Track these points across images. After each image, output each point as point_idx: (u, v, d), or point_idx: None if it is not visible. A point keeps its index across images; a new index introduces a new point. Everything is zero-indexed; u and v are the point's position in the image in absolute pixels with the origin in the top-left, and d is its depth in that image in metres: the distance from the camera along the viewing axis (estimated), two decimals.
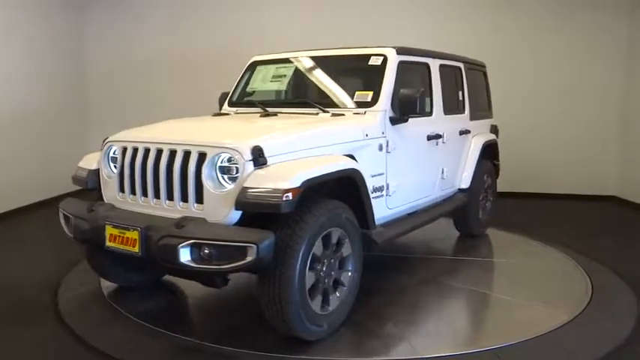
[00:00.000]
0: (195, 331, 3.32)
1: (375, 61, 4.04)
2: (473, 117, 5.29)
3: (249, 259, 2.68)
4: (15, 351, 3.14)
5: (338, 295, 3.26)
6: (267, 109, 4.14)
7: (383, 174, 3.83)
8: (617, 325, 3.45)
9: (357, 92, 3.99)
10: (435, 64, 4.58)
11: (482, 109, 5.67)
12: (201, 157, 2.97)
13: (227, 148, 2.92)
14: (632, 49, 7.18)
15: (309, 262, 2.95)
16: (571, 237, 5.50)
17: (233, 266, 2.72)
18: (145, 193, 3.19)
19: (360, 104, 3.90)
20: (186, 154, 3.02)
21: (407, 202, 4.19)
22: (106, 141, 3.47)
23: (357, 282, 3.40)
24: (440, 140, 4.55)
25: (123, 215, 3.12)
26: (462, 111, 5.14)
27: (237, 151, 2.88)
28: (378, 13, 7.53)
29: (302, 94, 4.36)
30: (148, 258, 2.92)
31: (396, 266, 4.61)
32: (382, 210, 3.87)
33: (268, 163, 2.92)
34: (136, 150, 3.24)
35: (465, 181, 5.13)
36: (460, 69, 5.14)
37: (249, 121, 3.72)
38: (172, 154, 3.07)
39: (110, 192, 3.40)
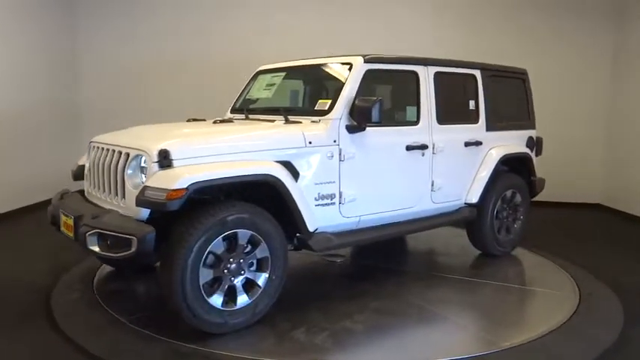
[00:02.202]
0: (189, 336, 3.28)
1: (342, 69, 4.08)
2: (491, 127, 4.95)
3: (133, 249, 3.00)
4: (8, 356, 3.19)
5: (249, 295, 3.41)
6: (251, 115, 4.43)
7: (334, 182, 3.85)
8: (604, 331, 3.56)
9: (319, 100, 4.06)
10: (427, 72, 4.41)
11: (511, 119, 5.27)
12: (127, 158, 3.37)
13: (141, 150, 3.27)
14: (617, 60, 7.39)
15: (203, 258, 3.17)
16: (558, 244, 5.62)
17: (123, 255, 3.06)
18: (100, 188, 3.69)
19: (319, 112, 3.97)
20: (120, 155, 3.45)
21: (373, 212, 4.11)
22: (90, 141, 4.06)
23: (277, 285, 3.51)
24: (427, 151, 4.38)
25: (73, 205, 3.65)
26: (474, 121, 4.85)
27: (147, 153, 3.22)
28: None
29: (279, 102, 4.54)
30: (77, 242, 3.39)
31: (365, 276, 4.56)
32: (334, 218, 3.89)
33: (175, 166, 3.20)
34: (98, 150, 3.77)
35: (473, 196, 4.81)
36: (474, 77, 4.86)
37: (192, 126, 3.97)
38: (113, 154, 3.53)
39: (86, 185, 3.97)
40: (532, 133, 5.45)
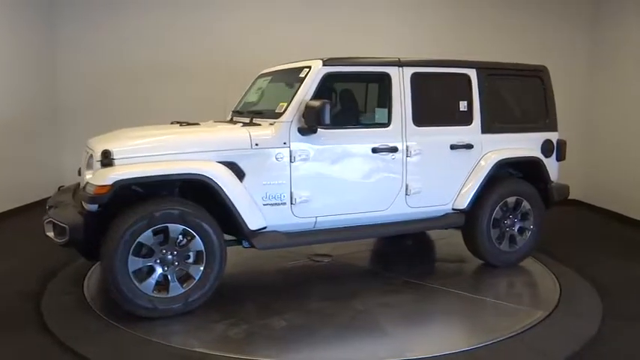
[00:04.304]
0: (181, 338, 3.37)
1: (303, 73, 4.16)
2: (489, 130, 4.65)
3: (67, 236, 3.44)
4: None
5: (184, 285, 3.67)
6: (236, 118, 4.70)
7: (284, 183, 3.95)
8: (584, 324, 3.69)
9: (279, 103, 4.18)
10: (401, 73, 4.30)
11: (521, 120, 4.91)
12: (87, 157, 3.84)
13: (93, 150, 3.71)
14: (592, 60, 7.76)
15: (133, 248, 3.49)
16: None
17: (63, 241, 3.52)
18: None
19: (277, 115, 4.10)
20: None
21: (332, 214, 4.14)
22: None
23: (212, 278, 3.71)
24: (397, 153, 4.27)
25: (58, 198, 4.20)
26: (465, 123, 4.60)
27: (95, 153, 3.65)
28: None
29: (254, 106, 4.72)
30: None
31: (338, 277, 4.60)
32: (286, 217, 3.99)
33: (116, 164, 3.57)
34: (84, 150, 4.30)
35: (462, 201, 4.58)
36: (467, 76, 4.60)
37: (159, 129, 4.28)
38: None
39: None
40: (551, 135, 5.00)
